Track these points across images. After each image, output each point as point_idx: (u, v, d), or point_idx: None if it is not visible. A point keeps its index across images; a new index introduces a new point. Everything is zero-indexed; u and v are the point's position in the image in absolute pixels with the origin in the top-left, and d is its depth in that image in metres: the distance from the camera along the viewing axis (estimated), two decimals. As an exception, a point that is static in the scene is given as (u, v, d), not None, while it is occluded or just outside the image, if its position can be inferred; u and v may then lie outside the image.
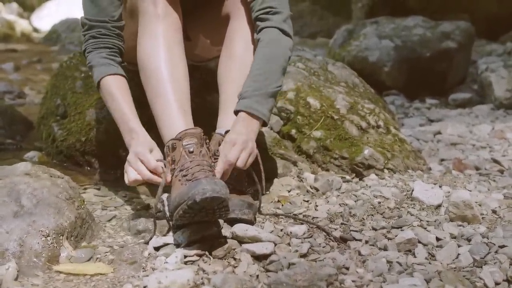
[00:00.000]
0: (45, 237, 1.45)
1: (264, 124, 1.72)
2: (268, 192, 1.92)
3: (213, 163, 1.59)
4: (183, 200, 1.43)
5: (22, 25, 8.00)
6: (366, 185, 1.97)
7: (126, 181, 1.61)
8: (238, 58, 1.79)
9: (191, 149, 1.55)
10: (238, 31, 1.81)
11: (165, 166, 1.59)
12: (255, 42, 1.79)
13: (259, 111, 1.67)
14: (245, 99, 1.68)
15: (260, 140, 2.11)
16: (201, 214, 1.47)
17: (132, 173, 1.59)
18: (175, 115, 1.65)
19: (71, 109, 2.30)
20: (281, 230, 1.62)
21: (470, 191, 1.93)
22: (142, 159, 1.59)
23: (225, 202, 1.45)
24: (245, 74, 1.73)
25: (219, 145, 1.74)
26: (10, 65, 4.67)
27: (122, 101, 1.72)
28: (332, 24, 7.30)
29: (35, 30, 8.30)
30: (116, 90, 1.73)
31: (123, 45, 1.81)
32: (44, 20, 8.55)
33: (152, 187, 2.02)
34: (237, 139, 1.62)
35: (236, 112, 1.68)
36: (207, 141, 1.61)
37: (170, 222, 1.59)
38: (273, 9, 1.75)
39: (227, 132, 1.73)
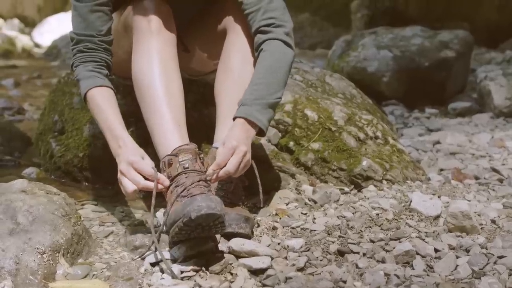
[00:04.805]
0: (41, 255, 1.45)
1: (261, 133, 1.70)
2: (266, 205, 1.91)
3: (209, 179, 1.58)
4: (179, 217, 1.44)
5: (23, 40, 8.02)
6: (365, 196, 1.96)
7: (125, 193, 1.58)
8: (235, 71, 1.78)
9: (186, 165, 1.55)
10: (235, 45, 1.81)
11: (156, 173, 1.55)
12: (253, 55, 1.78)
13: (258, 119, 1.65)
14: (245, 106, 1.66)
15: (258, 153, 2.10)
16: (197, 230, 1.47)
17: (128, 184, 1.56)
18: (170, 131, 1.64)
19: (68, 125, 2.30)
20: (279, 243, 1.61)
21: (469, 201, 1.92)
22: (136, 167, 1.56)
23: (220, 219, 1.45)
24: (242, 87, 1.72)
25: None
26: (10, 81, 4.68)
27: (108, 109, 1.70)
28: (332, 35, 7.29)
29: (36, 45, 8.31)
30: (102, 101, 1.71)
31: (110, 59, 1.79)
32: (45, 35, 8.55)
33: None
34: (230, 143, 1.60)
35: (235, 119, 1.67)
36: (202, 156, 1.61)
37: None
38: (276, 22, 1.74)
39: (224, 145, 1.73)
